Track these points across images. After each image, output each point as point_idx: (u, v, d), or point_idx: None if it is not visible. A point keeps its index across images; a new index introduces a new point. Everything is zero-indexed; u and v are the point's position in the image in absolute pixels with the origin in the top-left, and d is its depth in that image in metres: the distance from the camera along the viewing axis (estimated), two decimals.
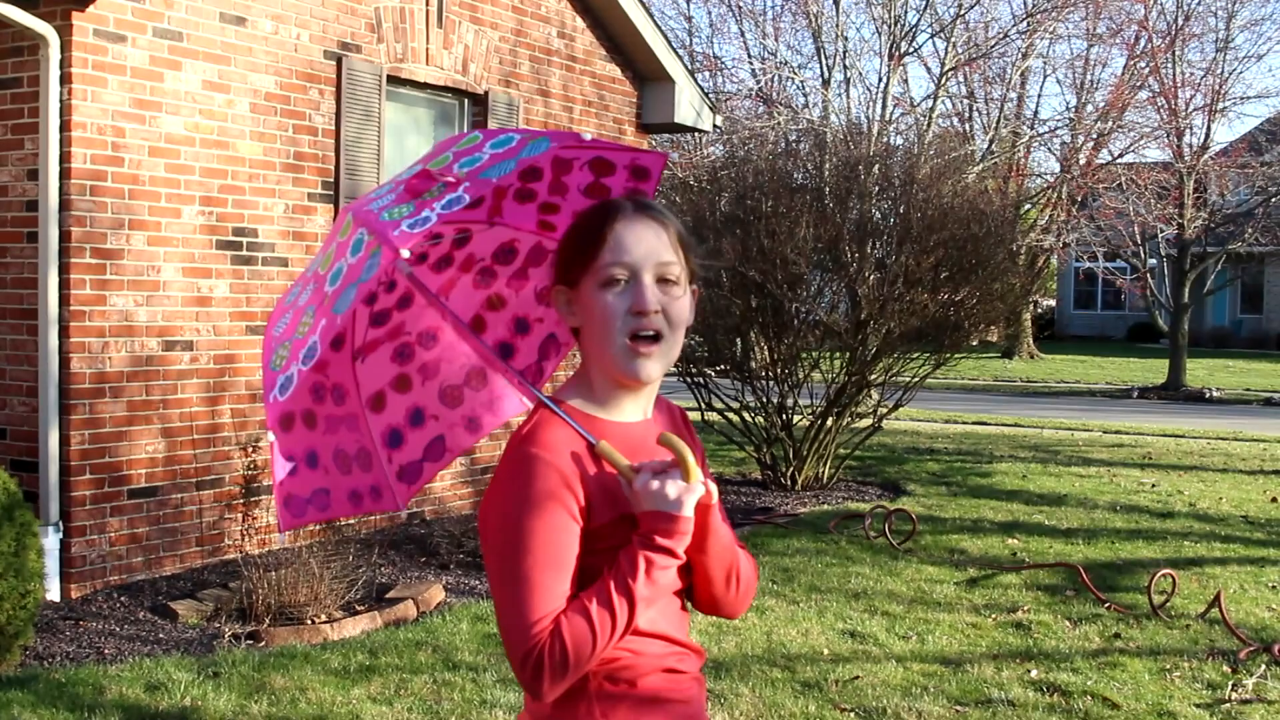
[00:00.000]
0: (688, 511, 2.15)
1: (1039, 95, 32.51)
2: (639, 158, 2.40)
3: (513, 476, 2.17)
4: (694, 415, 12.32)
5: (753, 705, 5.87)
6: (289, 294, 2.42)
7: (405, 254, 2.09)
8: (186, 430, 8.17)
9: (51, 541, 7.36)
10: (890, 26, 23.53)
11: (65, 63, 7.42)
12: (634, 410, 2.31)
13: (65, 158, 7.45)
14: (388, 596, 7.52)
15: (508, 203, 2.40)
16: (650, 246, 2.23)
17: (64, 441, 7.51)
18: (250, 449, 8.26)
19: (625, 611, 2.13)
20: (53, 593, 7.39)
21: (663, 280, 2.24)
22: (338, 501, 2.55)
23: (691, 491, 2.16)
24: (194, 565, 8.20)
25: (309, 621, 6.99)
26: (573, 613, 2.12)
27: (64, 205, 7.46)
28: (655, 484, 2.15)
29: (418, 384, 2.56)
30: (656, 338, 2.23)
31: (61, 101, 7.43)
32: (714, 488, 2.25)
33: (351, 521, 8.68)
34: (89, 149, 7.53)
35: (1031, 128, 28.03)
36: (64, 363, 7.51)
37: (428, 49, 9.78)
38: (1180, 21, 25.71)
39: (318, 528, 8.28)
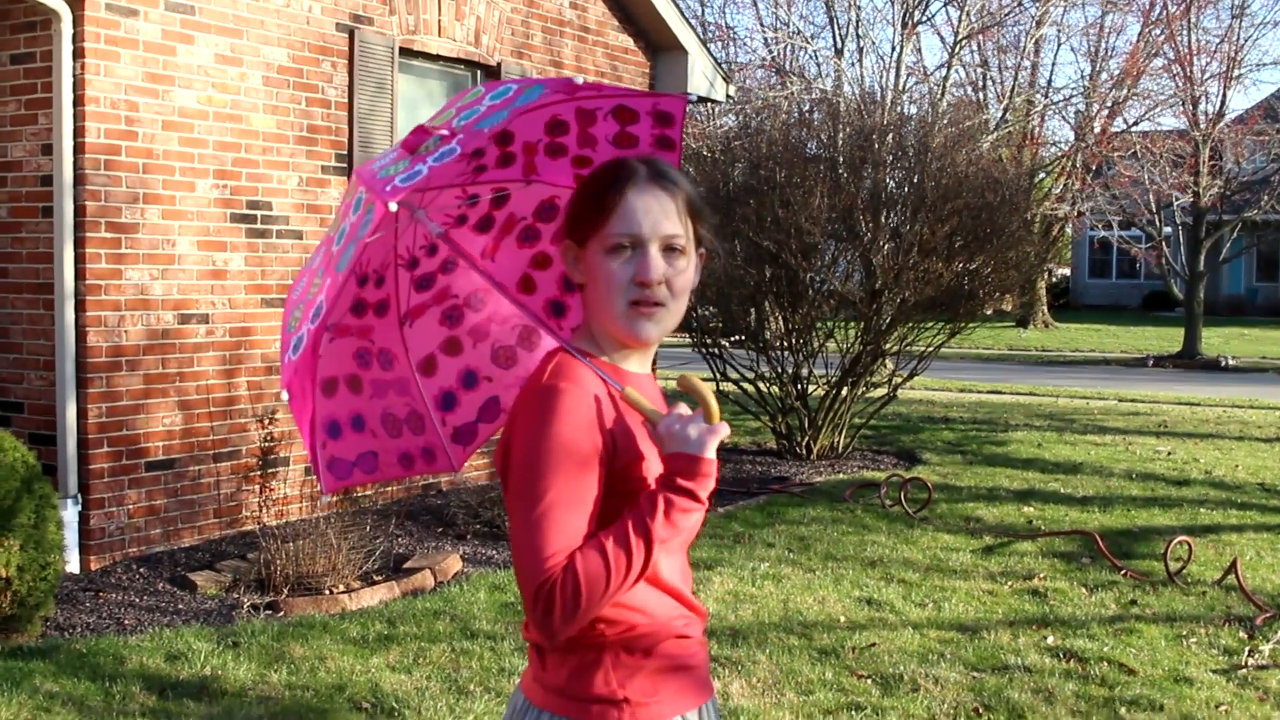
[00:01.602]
0: (709, 453, 2.15)
1: (1053, 63, 32.48)
2: (660, 102, 2.41)
3: (534, 409, 2.16)
4: (708, 386, 12.32)
5: (769, 672, 5.89)
6: (308, 262, 2.45)
7: (393, 206, 2.09)
8: (203, 403, 8.20)
9: (70, 514, 7.40)
10: None
11: (78, 37, 7.42)
12: (638, 365, 2.33)
13: (79, 132, 7.46)
14: (405, 567, 7.55)
15: (541, 159, 2.41)
16: (658, 217, 2.23)
17: (81, 415, 7.55)
18: (266, 421, 8.29)
19: (642, 552, 2.11)
20: (72, 565, 7.44)
21: (668, 250, 2.24)
22: (386, 464, 2.58)
23: (714, 433, 2.16)
24: (212, 537, 8.24)
25: (327, 592, 7.02)
26: (588, 549, 2.10)
27: (78, 180, 7.48)
28: (678, 426, 2.16)
29: (469, 346, 2.58)
30: (657, 304, 2.23)
31: (75, 76, 7.43)
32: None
33: (368, 492, 8.70)
34: (102, 123, 7.54)
35: (1046, 96, 27.90)
36: (80, 336, 7.54)
37: (440, 20, 9.76)
38: None
39: (335, 498, 8.31)
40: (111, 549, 7.68)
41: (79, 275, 7.52)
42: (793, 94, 22.82)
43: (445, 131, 2.19)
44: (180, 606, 6.87)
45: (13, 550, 5.87)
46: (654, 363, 2.51)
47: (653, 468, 2.22)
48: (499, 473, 2.23)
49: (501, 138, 2.31)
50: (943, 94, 23.42)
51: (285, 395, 2.32)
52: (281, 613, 6.73)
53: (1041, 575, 7.72)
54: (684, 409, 2.21)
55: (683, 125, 2.46)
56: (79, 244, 7.51)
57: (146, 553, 7.86)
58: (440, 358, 2.57)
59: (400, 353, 2.53)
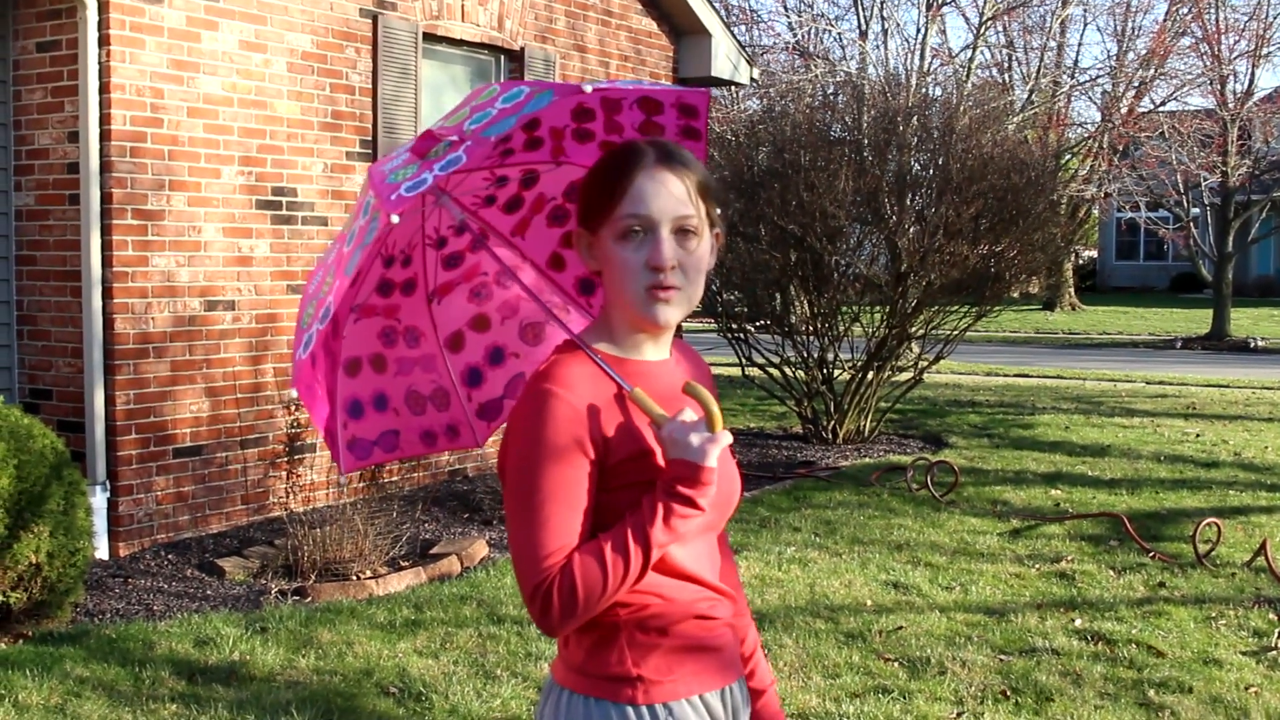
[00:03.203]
0: (711, 462, 2.14)
1: (1079, 44, 32.26)
2: (684, 96, 2.39)
3: (527, 414, 2.17)
4: (734, 371, 12.33)
5: (796, 656, 5.89)
6: (325, 253, 2.45)
7: (395, 219, 2.09)
8: (230, 389, 8.23)
9: (99, 500, 7.44)
10: None
11: (103, 25, 7.44)
12: (654, 351, 2.31)
13: (105, 120, 7.48)
14: (432, 552, 7.57)
15: (569, 143, 2.40)
16: (669, 199, 2.19)
17: (109, 401, 7.58)
18: (293, 407, 8.31)
19: (640, 556, 2.13)
20: (101, 551, 7.48)
21: (681, 231, 2.21)
22: (408, 442, 2.59)
23: (715, 442, 2.15)
24: (240, 523, 8.28)
25: (354, 577, 7.05)
26: (585, 552, 2.12)
27: (105, 167, 7.50)
28: (679, 433, 2.15)
29: (497, 323, 2.59)
30: (673, 287, 2.21)
31: (100, 64, 7.45)
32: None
33: (395, 478, 8.73)
34: (128, 110, 7.56)
35: (1072, 77, 27.74)
36: (108, 323, 7.57)
37: (463, 5, 9.75)
38: None
39: (362, 484, 8.34)
40: (140, 535, 7.72)
41: (106, 262, 7.55)
42: (817, 77, 22.73)
43: (454, 138, 2.17)
44: (208, 592, 6.91)
45: (43, 536, 5.91)
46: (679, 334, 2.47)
47: (660, 462, 2.22)
48: (499, 472, 2.24)
49: (529, 124, 2.30)
50: (968, 76, 23.30)
51: (294, 393, 2.33)
52: (309, 598, 6.76)
53: (1069, 558, 7.70)
54: (689, 414, 2.20)
55: (707, 117, 2.44)
56: (105, 231, 7.54)
57: (175, 539, 7.90)
58: (468, 334, 2.57)
59: (428, 329, 2.54)
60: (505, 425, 2.26)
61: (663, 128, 2.40)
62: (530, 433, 2.16)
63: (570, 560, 2.12)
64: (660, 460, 2.21)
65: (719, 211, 2.31)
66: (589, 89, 2.21)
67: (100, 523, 7.42)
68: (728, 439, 2.18)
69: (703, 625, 2.29)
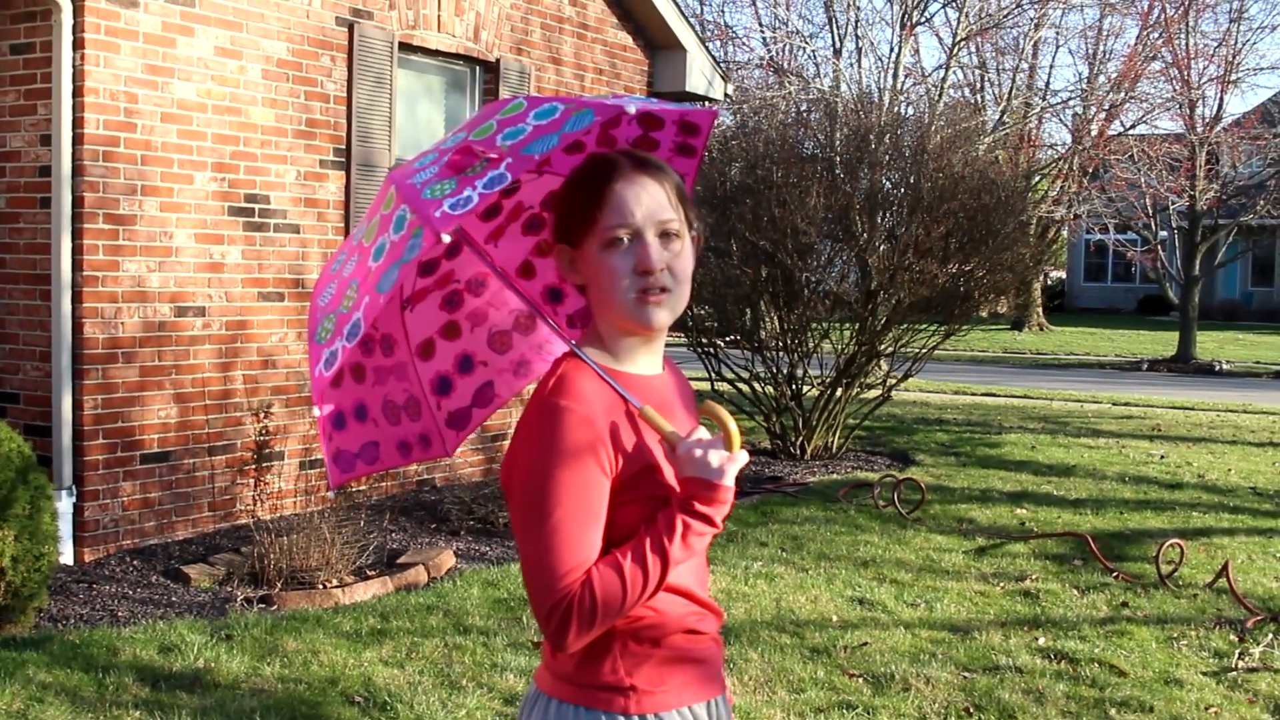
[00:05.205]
0: (728, 481, 2.17)
1: (1051, 66, 32.23)
2: (688, 114, 2.40)
3: (542, 428, 2.16)
4: (704, 385, 12.35)
5: (761, 670, 5.91)
6: (333, 262, 2.42)
7: (446, 238, 2.05)
8: (199, 396, 8.21)
9: (65, 505, 7.41)
10: None
11: (78, 28, 7.42)
12: (648, 363, 2.32)
13: (78, 123, 7.46)
14: (399, 562, 7.56)
15: (556, 153, 2.40)
16: (650, 204, 2.22)
17: (77, 406, 7.55)
18: (262, 415, 8.29)
19: (658, 571, 2.14)
20: (66, 556, 7.44)
21: (664, 235, 2.23)
22: (387, 453, 2.57)
23: (734, 461, 2.18)
24: (206, 530, 8.25)
25: (320, 586, 7.03)
26: (605, 565, 2.13)
27: (77, 171, 7.48)
28: (699, 451, 2.17)
29: (466, 330, 2.57)
30: (663, 290, 2.23)
31: (74, 67, 7.44)
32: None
33: (362, 486, 8.72)
34: (101, 115, 7.54)
35: (1043, 99, 27.90)
36: (77, 328, 7.54)
37: (439, 16, 9.76)
38: None
39: (330, 493, 8.32)
40: (105, 541, 7.68)
41: (76, 266, 7.52)
42: (790, 94, 22.81)
43: (493, 155, 2.16)
44: (174, 599, 6.88)
45: (7, 540, 5.88)
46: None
47: (669, 478, 2.23)
48: (504, 487, 2.23)
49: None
50: (940, 95, 23.41)
51: (318, 412, 2.31)
52: (275, 606, 6.74)
53: (1033, 577, 7.74)
54: (703, 432, 2.22)
55: (707, 137, 2.45)
56: (76, 235, 7.51)
57: (140, 545, 7.86)
58: (438, 342, 2.55)
59: (400, 338, 2.52)
60: (510, 441, 2.25)
61: (658, 144, 2.42)
62: (544, 448, 2.15)
63: (589, 576, 2.12)
64: (666, 476, 2.23)
65: (694, 215, 2.33)
66: (632, 108, 2.21)
67: (66, 527, 7.39)
68: (745, 458, 2.20)
69: (691, 639, 2.31)
